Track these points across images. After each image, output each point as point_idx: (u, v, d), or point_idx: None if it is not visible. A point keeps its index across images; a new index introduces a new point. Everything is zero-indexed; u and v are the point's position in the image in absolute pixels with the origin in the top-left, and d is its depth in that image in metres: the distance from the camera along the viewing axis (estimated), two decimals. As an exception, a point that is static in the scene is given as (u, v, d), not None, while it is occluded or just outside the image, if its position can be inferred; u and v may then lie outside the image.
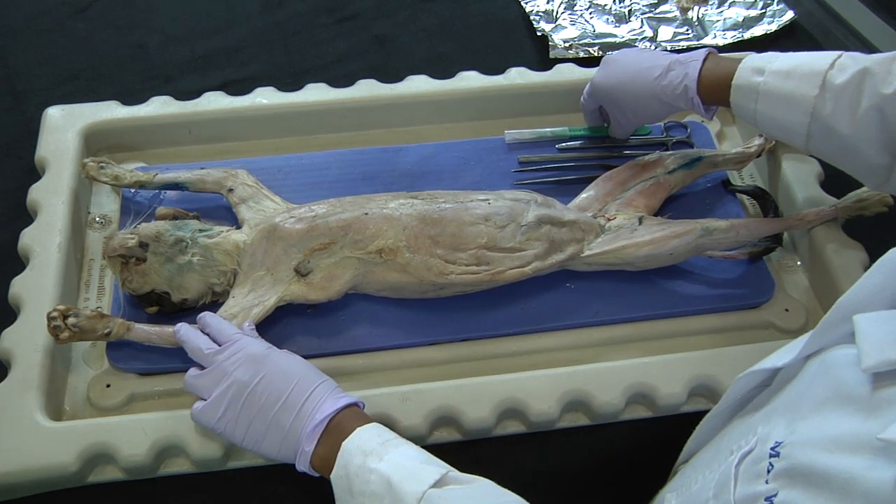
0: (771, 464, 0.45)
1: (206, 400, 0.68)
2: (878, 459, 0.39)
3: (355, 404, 0.68)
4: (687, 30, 1.23)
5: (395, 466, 0.60)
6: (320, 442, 0.65)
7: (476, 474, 0.61)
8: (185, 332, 0.73)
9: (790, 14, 1.23)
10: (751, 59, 0.81)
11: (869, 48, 1.19)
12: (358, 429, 0.64)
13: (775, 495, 0.43)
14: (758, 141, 0.96)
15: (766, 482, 0.45)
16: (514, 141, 1.00)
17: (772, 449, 0.46)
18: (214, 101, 1.01)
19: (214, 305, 0.81)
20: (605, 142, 1.01)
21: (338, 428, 0.65)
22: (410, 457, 0.62)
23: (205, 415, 0.68)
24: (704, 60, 0.84)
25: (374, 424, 0.66)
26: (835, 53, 0.76)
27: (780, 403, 0.52)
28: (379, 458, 0.61)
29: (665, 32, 1.22)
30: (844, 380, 0.45)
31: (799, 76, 0.76)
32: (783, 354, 0.55)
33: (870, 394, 0.43)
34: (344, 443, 0.63)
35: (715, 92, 0.83)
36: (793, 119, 0.77)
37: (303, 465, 0.66)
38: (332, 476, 0.63)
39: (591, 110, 0.98)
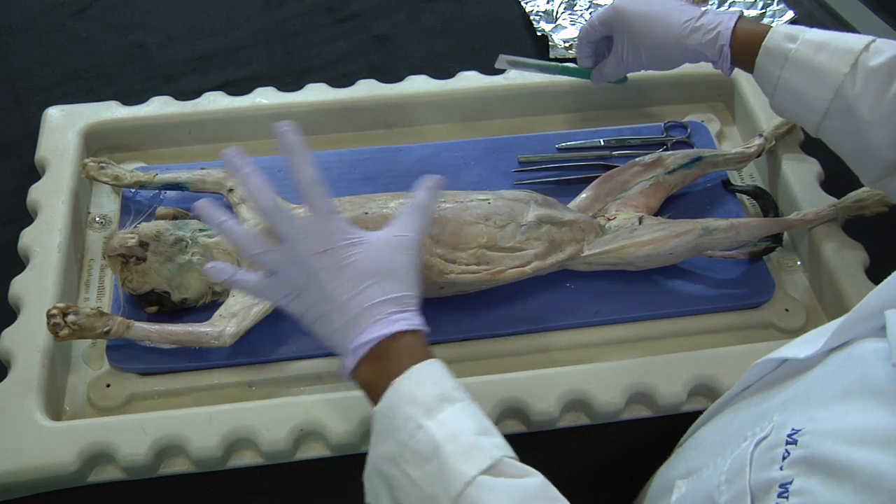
0: (787, 451, 0.44)
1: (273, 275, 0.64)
2: None
3: (419, 330, 0.62)
4: (687, 30, 1.23)
5: (448, 433, 0.54)
6: (365, 363, 0.60)
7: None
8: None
9: (790, 14, 1.23)
10: (783, 26, 0.80)
11: (869, 48, 1.19)
12: (413, 368, 0.58)
13: (791, 482, 0.43)
14: (758, 141, 0.96)
15: (781, 468, 0.44)
16: (506, 65, 0.98)
17: (788, 436, 0.45)
18: (214, 101, 1.00)
19: (214, 305, 0.81)
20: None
21: (389, 355, 0.59)
22: (466, 424, 0.56)
23: (271, 290, 0.64)
24: (739, 18, 0.83)
25: (432, 364, 0.59)
26: (870, 37, 0.76)
27: (799, 392, 0.51)
28: (431, 414, 0.55)
29: (665, 32, 1.22)
30: (872, 373, 0.44)
31: (832, 50, 0.76)
32: (805, 345, 0.53)
33: None
34: (396, 380, 0.57)
35: (743, 49, 0.82)
36: (816, 93, 0.76)
37: (345, 374, 0.61)
38: (376, 410, 0.58)
39: (591, 41, 0.93)
